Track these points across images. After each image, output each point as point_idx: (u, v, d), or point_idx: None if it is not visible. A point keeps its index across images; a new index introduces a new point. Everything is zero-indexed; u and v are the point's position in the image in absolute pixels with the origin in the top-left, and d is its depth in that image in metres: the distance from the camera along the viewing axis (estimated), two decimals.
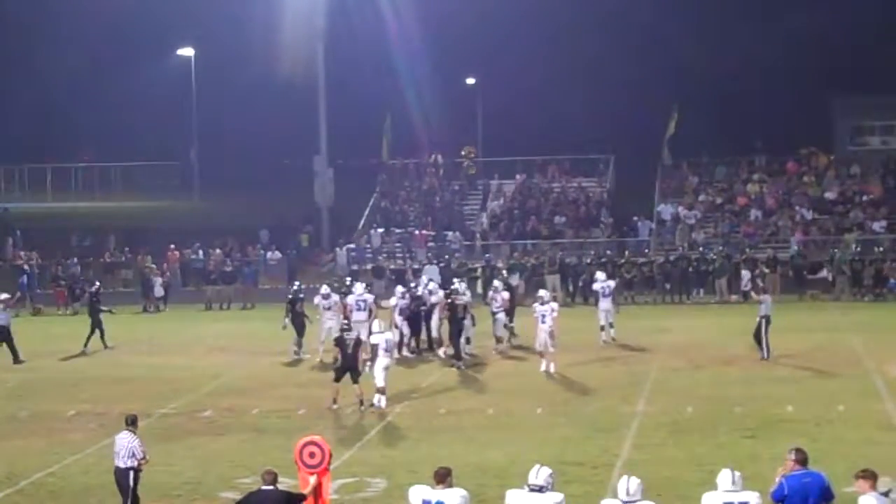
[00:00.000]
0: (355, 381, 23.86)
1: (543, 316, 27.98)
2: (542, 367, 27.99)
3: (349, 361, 23.95)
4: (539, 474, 12.16)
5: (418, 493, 12.40)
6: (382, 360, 24.31)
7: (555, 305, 28.71)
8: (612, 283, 33.75)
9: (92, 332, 33.46)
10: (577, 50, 69.92)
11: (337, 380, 24.18)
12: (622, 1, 70.83)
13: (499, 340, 31.59)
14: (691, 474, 18.17)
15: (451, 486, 12.38)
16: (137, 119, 69.71)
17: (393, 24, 62.51)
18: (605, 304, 32.62)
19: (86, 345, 33.30)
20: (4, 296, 32.71)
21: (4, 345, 31.49)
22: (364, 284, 32.80)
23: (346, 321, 26.66)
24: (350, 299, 30.81)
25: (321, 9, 50.10)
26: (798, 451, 12.94)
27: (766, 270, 44.20)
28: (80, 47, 69.89)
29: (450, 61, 68.43)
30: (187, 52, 67.32)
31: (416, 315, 31.62)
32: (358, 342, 24.33)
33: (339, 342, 24.43)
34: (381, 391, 24.17)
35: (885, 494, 11.91)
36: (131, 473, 16.40)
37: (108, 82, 71.16)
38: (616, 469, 18.64)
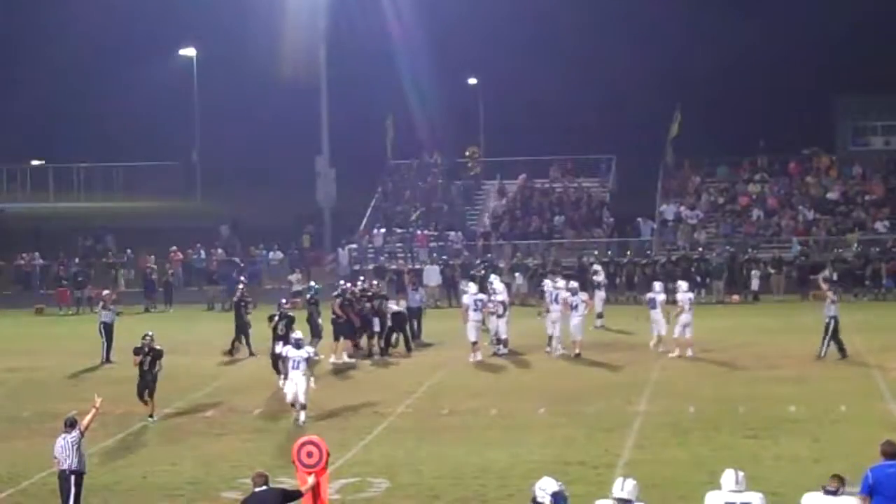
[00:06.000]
0: (150, 395, 23.61)
1: (653, 303, 30.59)
2: (675, 353, 29.68)
3: (146, 377, 23.52)
4: (625, 486, 12.06)
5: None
6: (301, 377, 22.72)
7: (691, 296, 30.62)
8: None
9: (238, 335, 32.28)
10: (579, 50, 69.88)
11: (139, 395, 23.64)
12: (624, 1, 70.87)
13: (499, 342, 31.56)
14: (693, 474, 18.16)
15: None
16: (139, 119, 69.71)
17: (395, 24, 62.53)
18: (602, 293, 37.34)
19: (233, 349, 32.18)
20: (106, 292, 32.66)
21: (104, 341, 31.12)
22: (475, 284, 32.73)
23: (149, 334, 24.22)
24: (467, 299, 30.75)
25: (323, 9, 50.10)
26: (887, 442, 13.07)
27: (772, 271, 44.28)
28: (81, 47, 69.86)
29: (452, 61, 68.38)
30: (189, 52, 67.32)
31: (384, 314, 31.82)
32: (158, 355, 23.55)
33: (137, 352, 23.80)
34: (303, 406, 22.84)
35: (834, 493, 12.06)
36: (73, 477, 16.16)
37: (109, 82, 71.17)
38: (618, 469, 18.64)
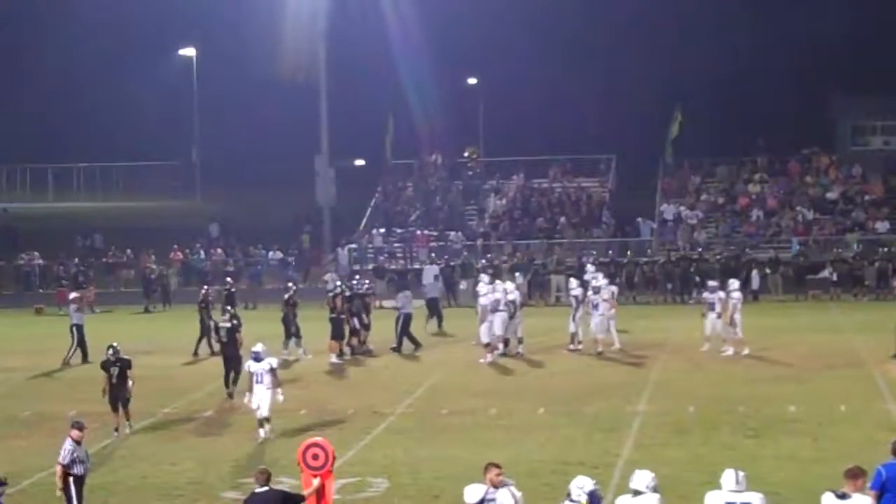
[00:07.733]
0: (124, 407, 22.48)
1: (713, 304, 30.20)
2: (730, 352, 29.73)
3: (116, 389, 22.40)
4: (640, 479, 12.10)
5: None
6: (265, 391, 21.67)
7: (736, 295, 30.20)
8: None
9: (201, 336, 32.10)
10: (578, 50, 69.92)
11: (114, 409, 22.49)
12: (624, 1, 70.85)
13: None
14: (693, 474, 18.15)
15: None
16: (139, 119, 69.68)
17: (395, 24, 62.50)
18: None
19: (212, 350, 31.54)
20: (73, 295, 32.56)
21: (79, 343, 31.08)
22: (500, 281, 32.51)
23: (114, 345, 22.93)
24: (485, 300, 30.55)
25: (323, 9, 50.08)
26: None
27: (767, 271, 44.24)
28: (81, 47, 69.87)
29: (451, 61, 68.39)
30: (189, 52, 67.33)
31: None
32: (126, 365, 22.46)
33: (105, 366, 22.65)
34: (266, 420, 21.84)
35: (842, 497, 12.03)
36: (69, 478, 16.13)
37: (109, 82, 71.15)
38: (617, 469, 18.63)
